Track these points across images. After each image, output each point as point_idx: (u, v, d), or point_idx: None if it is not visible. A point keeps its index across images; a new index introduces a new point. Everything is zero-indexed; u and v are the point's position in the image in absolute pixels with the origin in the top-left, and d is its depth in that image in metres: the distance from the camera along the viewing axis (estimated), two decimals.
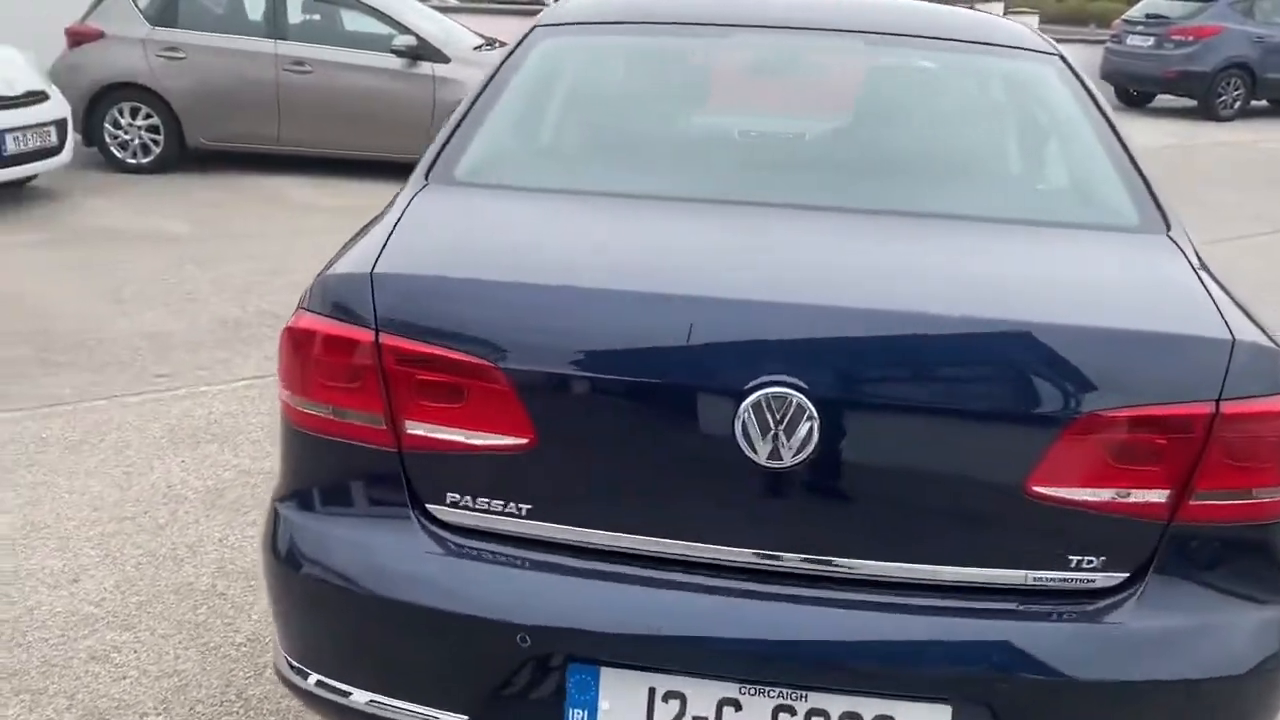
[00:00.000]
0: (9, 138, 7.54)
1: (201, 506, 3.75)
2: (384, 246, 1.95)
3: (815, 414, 1.68)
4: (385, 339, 1.82)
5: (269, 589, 2.02)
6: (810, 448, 1.69)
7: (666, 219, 2.19)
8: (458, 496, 1.87)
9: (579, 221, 2.18)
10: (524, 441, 1.80)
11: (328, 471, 1.96)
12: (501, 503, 1.85)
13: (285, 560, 1.95)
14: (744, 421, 1.69)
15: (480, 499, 1.86)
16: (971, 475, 1.75)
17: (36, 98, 7.95)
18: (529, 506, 1.84)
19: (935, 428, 1.74)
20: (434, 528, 1.89)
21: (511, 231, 2.13)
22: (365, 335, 1.83)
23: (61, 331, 5.43)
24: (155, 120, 9.31)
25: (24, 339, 5.29)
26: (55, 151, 8.07)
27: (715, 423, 1.72)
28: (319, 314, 1.89)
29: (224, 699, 2.77)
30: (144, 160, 9.38)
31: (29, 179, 8.28)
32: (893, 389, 1.75)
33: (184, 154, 9.49)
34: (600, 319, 1.80)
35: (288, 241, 7.35)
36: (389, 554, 1.88)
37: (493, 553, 1.86)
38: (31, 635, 2.99)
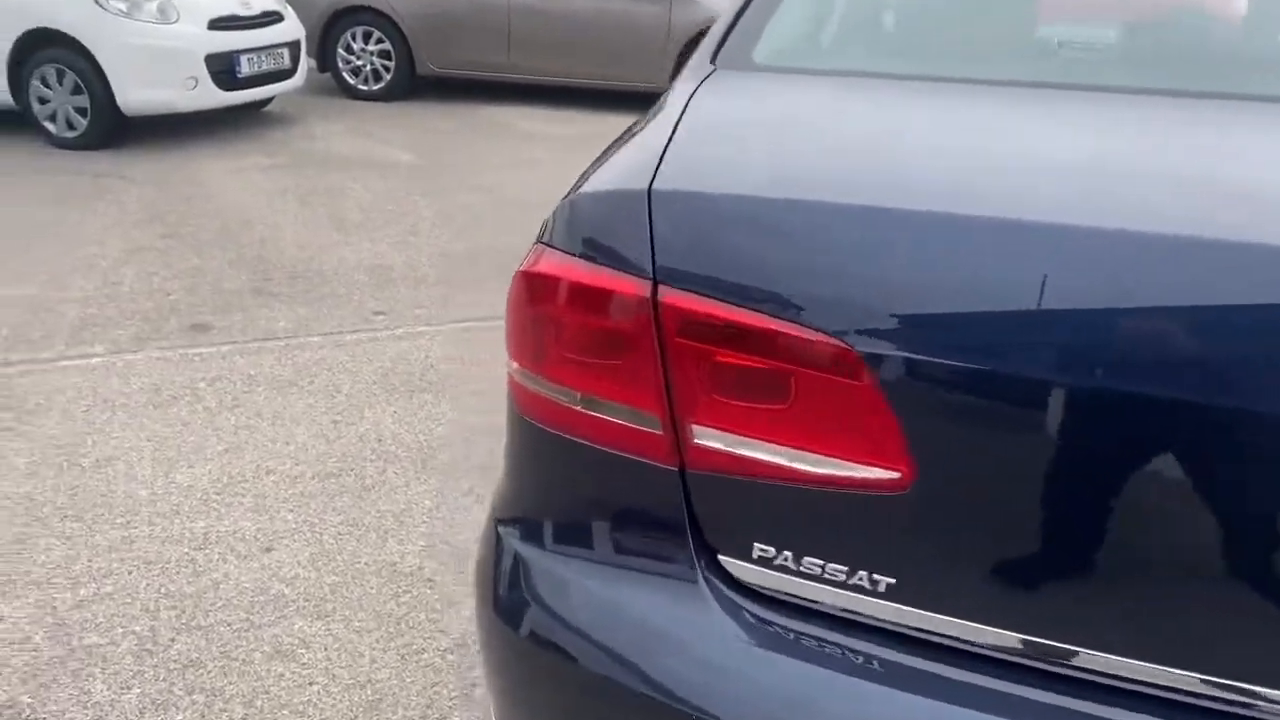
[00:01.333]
0: (244, 59, 7.38)
1: (413, 467, 3.26)
2: (664, 154, 1.25)
3: None
4: (667, 295, 1.14)
5: (484, 649, 1.40)
6: None
7: (1065, 114, 1.36)
8: (771, 551, 1.17)
9: (960, 117, 1.39)
10: (894, 475, 1.08)
11: (573, 489, 1.31)
12: (845, 569, 1.14)
13: (508, 616, 1.32)
14: None
15: (808, 558, 1.15)
16: None
17: (272, 18, 7.77)
18: (891, 580, 1.12)
19: None
20: (730, 593, 1.21)
21: (855, 134, 1.37)
22: (636, 287, 1.16)
23: (281, 261, 5.13)
24: (387, 46, 9.06)
25: (244, 266, 5.01)
26: (288, 74, 7.91)
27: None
28: (566, 253, 1.22)
29: None
30: (375, 87, 9.19)
31: (265, 102, 8.17)
32: None
33: (415, 82, 9.23)
34: (1040, 277, 1.04)
35: (518, 173, 6.88)
36: (661, 628, 1.22)
37: (831, 647, 1.15)
38: (214, 616, 2.56)
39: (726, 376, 1.15)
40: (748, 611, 1.21)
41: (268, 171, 6.80)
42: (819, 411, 1.11)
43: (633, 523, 1.27)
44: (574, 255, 1.21)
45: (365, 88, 9.20)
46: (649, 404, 1.19)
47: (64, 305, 4.44)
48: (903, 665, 1.14)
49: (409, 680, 2.36)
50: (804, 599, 1.19)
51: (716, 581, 1.22)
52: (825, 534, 1.15)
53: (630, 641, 1.23)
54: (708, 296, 1.13)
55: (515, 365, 1.32)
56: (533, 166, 6.99)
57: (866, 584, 1.14)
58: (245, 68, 7.41)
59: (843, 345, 1.07)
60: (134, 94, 6.95)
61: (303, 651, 2.45)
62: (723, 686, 1.17)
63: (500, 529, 1.38)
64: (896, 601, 1.13)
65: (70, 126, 7.06)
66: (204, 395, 3.71)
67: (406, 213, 6.01)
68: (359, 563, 2.79)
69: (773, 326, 1.10)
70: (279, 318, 4.43)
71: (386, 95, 9.16)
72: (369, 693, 2.33)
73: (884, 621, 1.15)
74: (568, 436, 1.27)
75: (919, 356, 1.06)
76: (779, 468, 1.14)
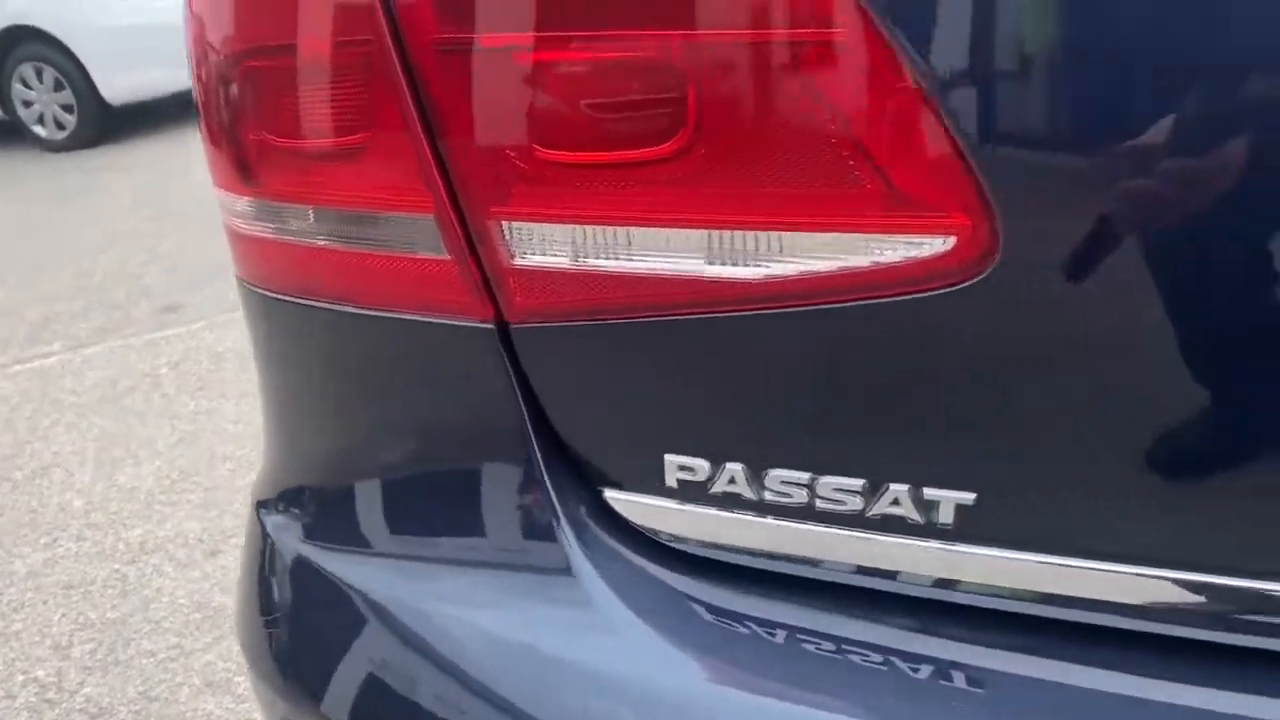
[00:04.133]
0: None
1: None
2: None
3: None
4: None
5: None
6: None
7: None
8: (703, 466, 0.54)
9: None
10: (944, 245, 0.43)
11: (348, 413, 0.69)
12: (862, 482, 0.50)
13: (290, 675, 0.71)
14: None
15: (778, 471, 0.51)
16: None
17: None
18: (967, 497, 0.47)
19: None
20: (647, 564, 0.58)
21: None
22: None
23: None
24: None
25: None
26: None
27: None
28: None
29: None
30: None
31: None
32: None
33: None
34: None
35: None
36: (524, 638, 0.60)
37: (862, 654, 0.53)
38: (138, 646, 2.03)
39: (561, 91, 0.51)
40: (696, 600, 0.59)
41: None
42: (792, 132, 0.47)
43: (448, 462, 0.65)
44: None
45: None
46: (408, 193, 0.56)
47: (29, 306, 3.98)
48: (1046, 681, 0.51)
49: None
50: (792, 557, 0.55)
51: (615, 547, 0.60)
52: (808, 409, 0.51)
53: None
54: None
55: (221, 192, 0.70)
56: None
57: (917, 514, 0.50)
58: None
59: None
60: (118, 81, 6.46)
61: (238, 680, 1.90)
62: None
63: (263, 518, 0.77)
64: (977, 542, 0.49)
65: (60, 126, 6.62)
66: (164, 381, 3.20)
67: None
68: None
69: None
70: None
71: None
72: None
73: (971, 594, 0.51)
74: (314, 303, 0.65)
75: None
76: (699, 281, 0.51)
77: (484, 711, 0.61)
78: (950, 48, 0.41)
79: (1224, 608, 0.47)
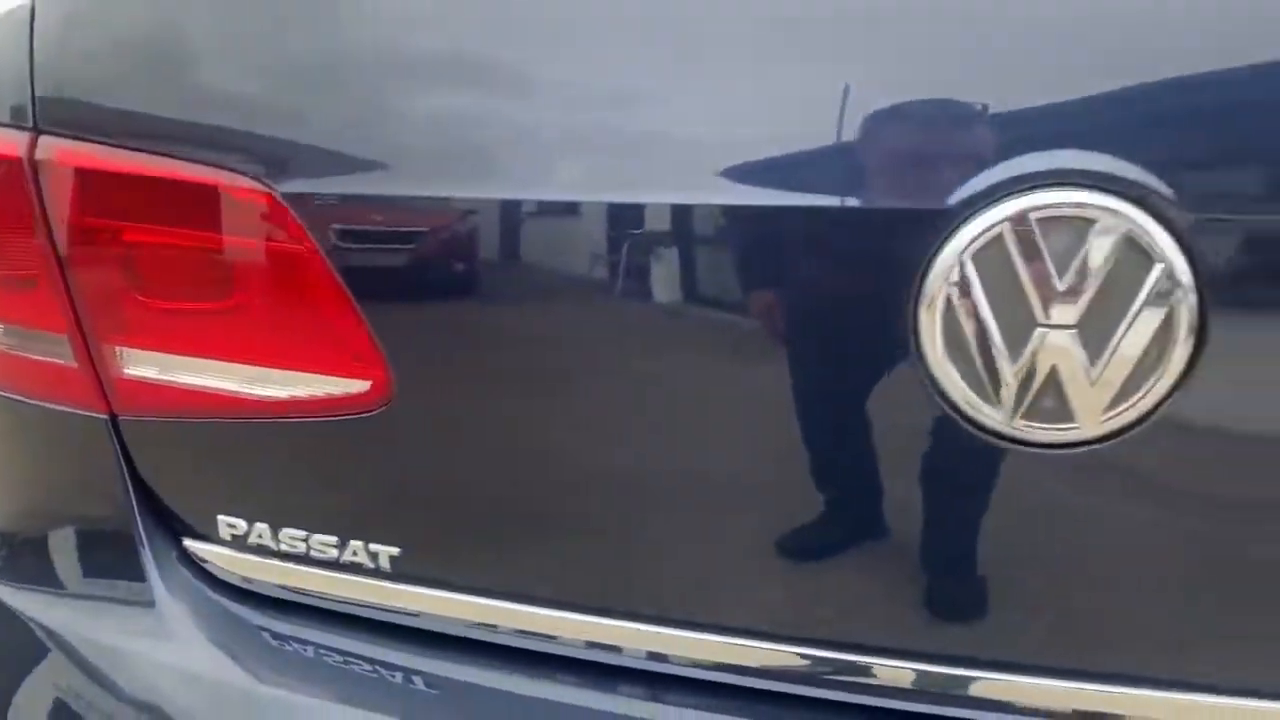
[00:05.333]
0: None
1: None
2: None
3: (1188, 281, 0.53)
4: (50, 148, 0.75)
5: None
6: (1162, 391, 0.56)
7: None
8: (241, 524, 0.79)
9: None
10: (363, 388, 0.70)
11: (16, 473, 0.91)
12: (334, 539, 0.75)
13: None
14: (946, 305, 0.55)
15: (288, 530, 0.77)
16: None
17: None
18: (394, 550, 0.74)
19: None
20: (221, 599, 0.82)
21: None
22: (7, 141, 0.76)
23: None
24: None
25: None
26: None
27: (874, 315, 0.59)
28: None
29: None
30: None
31: None
32: None
33: None
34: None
35: None
36: (112, 666, 0.82)
37: (339, 657, 0.78)
38: None
39: (145, 264, 0.76)
40: (265, 630, 0.82)
41: None
42: (268, 305, 0.73)
43: (78, 516, 0.87)
44: None
45: None
46: (51, 320, 0.79)
47: None
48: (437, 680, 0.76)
49: None
50: (304, 591, 0.80)
51: (199, 585, 0.83)
52: (298, 488, 0.77)
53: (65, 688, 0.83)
54: (102, 144, 0.74)
55: None
56: None
57: (365, 559, 0.75)
58: None
59: (270, 195, 0.69)
60: None
61: None
62: None
63: None
64: (409, 582, 0.75)
65: None
66: None
67: None
68: None
69: (185, 176, 0.72)
70: None
71: None
72: None
73: (398, 612, 0.76)
74: None
75: (370, 194, 0.69)
76: (230, 398, 0.75)
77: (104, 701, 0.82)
78: (377, 278, 0.69)
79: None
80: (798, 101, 0.59)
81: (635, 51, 0.63)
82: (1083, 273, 0.54)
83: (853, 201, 0.59)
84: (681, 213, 0.62)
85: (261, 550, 0.78)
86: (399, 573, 0.74)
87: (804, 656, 0.68)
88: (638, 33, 0.63)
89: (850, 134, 0.57)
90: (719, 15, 0.62)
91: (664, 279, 0.64)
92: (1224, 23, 0.54)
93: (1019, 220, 0.54)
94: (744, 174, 0.60)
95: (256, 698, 0.79)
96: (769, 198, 0.60)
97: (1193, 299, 0.53)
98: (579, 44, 0.64)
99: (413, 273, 0.70)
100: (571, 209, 0.65)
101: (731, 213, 0.61)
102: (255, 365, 0.73)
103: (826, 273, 0.62)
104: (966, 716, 0.66)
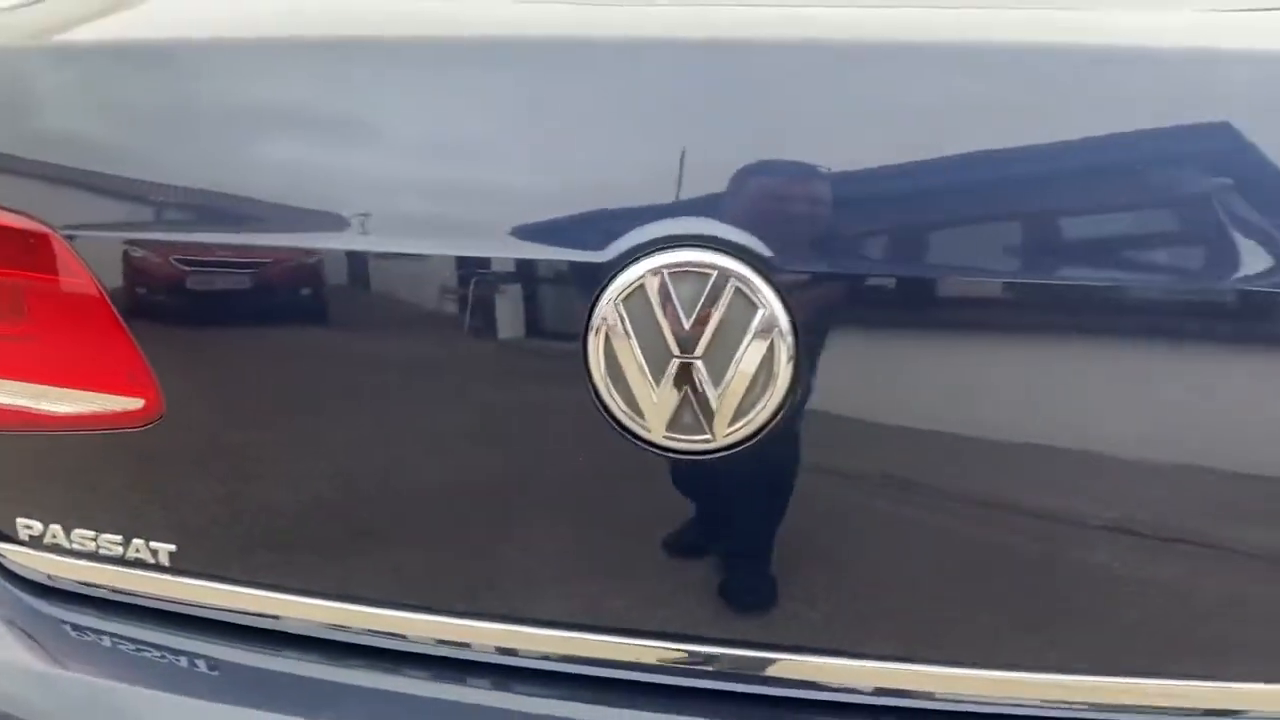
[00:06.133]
0: None
1: None
2: None
3: (785, 323, 0.67)
4: None
5: None
6: (773, 407, 0.70)
7: None
8: (37, 526, 0.88)
9: None
10: (137, 406, 0.81)
11: None
12: (119, 538, 0.85)
13: None
14: (605, 339, 0.69)
15: (78, 530, 0.87)
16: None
17: None
18: (171, 547, 0.84)
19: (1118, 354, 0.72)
20: (24, 595, 0.92)
21: None
22: None
23: None
24: None
25: None
26: None
27: (548, 350, 0.74)
28: None
29: None
30: None
31: None
32: (1006, 253, 0.71)
33: None
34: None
35: None
36: None
37: (157, 651, 0.89)
38: None
39: None
40: (66, 623, 0.91)
41: None
42: (52, 331, 0.83)
43: None
44: None
45: None
46: None
47: None
48: (210, 663, 0.86)
49: None
50: (98, 586, 0.90)
51: (2, 582, 0.92)
52: (85, 493, 0.86)
53: None
54: None
55: None
56: None
57: (147, 556, 0.85)
58: None
59: (51, 233, 0.78)
60: None
61: None
62: None
63: None
64: (186, 575, 0.85)
65: None
66: None
67: None
68: None
69: None
70: None
71: None
72: None
73: (181, 604, 0.87)
74: None
75: (150, 236, 0.79)
76: (22, 412, 0.85)
77: None
78: (149, 308, 0.79)
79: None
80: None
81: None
82: (705, 316, 0.67)
83: (549, 253, 0.72)
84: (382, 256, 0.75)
85: (57, 549, 0.88)
86: (178, 567, 0.85)
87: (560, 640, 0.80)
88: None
89: (540, 201, 0.71)
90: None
91: (394, 308, 0.77)
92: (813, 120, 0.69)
93: (655, 273, 0.68)
94: (456, 229, 0.73)
95: (58, 682, 0.89)
96: (480, 249, 0.73)
97: (790, 337, 0.67)
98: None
99: (182, 303, 0.80)
100: (310, 254, 0.76)
101: (457, 261, 0.74)
102: (42, 384, 0.83)
103: (534, 306, 0.75)
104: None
